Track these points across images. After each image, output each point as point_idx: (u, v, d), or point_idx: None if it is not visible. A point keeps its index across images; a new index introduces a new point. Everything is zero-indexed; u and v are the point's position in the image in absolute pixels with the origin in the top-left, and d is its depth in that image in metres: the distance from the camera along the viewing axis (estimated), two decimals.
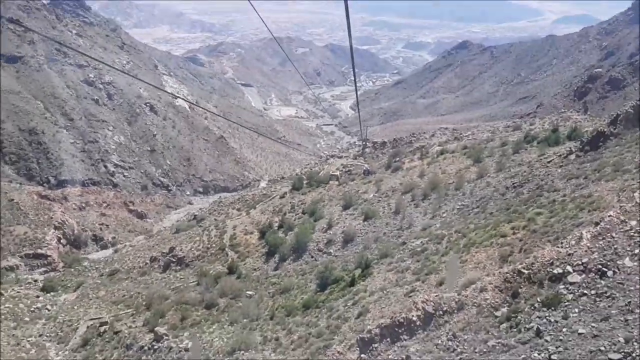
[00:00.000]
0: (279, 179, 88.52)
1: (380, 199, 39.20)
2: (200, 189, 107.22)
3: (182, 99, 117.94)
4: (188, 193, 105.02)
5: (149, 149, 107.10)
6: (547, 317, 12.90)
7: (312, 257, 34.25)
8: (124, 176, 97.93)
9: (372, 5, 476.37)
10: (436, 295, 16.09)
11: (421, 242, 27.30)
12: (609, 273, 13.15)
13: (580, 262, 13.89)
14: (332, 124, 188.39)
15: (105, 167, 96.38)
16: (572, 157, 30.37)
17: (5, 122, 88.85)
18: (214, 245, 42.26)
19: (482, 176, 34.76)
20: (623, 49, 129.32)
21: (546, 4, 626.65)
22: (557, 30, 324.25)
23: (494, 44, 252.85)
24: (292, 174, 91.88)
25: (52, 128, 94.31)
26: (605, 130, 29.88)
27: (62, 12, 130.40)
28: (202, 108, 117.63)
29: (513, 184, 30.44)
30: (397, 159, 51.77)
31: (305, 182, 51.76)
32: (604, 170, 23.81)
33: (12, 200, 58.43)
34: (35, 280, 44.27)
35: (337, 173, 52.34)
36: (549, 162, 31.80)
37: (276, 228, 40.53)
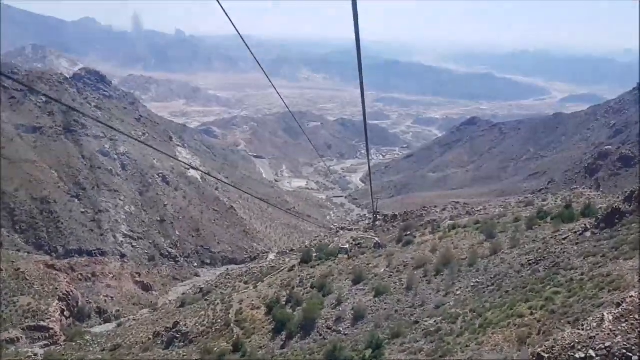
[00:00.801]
0: (287, 251, 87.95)
1: (392, 274, 38.26)
2: (208, 261, 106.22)
3: (195, 168, 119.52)
4: (195, 264, 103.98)
5: (159, 218, 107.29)
6: None
7: (321, 335, 32.88)
8: (132, 246, 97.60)
9: (383, 83, 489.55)
10: None
11: (435, 321, 26.34)
12: (634, 358, 12.31)
13: (603, 346, 13.05)
14: (342, 196, 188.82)
15: (115, 237, 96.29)
16: (588, 234, 29.63)
17: (18, 191, 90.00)
18: (219, 320, 41.23)
19: (496, 252, 33.92)
20: (631, 127, 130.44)
21: (553, 83, 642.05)
22: (564, 108, 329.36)
23: (502, 120, 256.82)
24: (301, 246, 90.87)
25: (64, 197, 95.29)
26: (621, 207, 29.33)
27: (84, 85, 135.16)
28: (214, 177, 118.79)
29: (528, 261, 29.63)
30: (409, 232, 51.10)
31: (314, 254, 51.00)
32: (622, 248, 23.18)
33: (19, 269, 57.87)
34: (36, 354, 43.04)
35: (347, 246, 51.46)
36: (564, 238, 31.01)
37: (284, 303, 39.53)
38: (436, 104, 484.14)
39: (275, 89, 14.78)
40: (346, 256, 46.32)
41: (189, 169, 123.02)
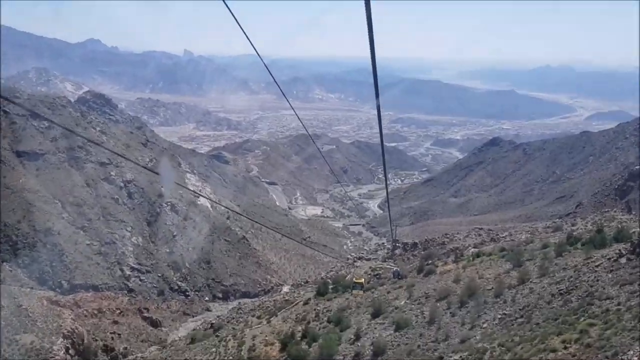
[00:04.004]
0: (303, 283, 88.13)
1: (413, 306, 38.07)
2: (220, 294, 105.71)
3: (205, 197, 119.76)
4: (207, 299, 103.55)
5: (167, 250, 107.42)
6: None
7: None
8: (140, 280, 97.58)
9: (400, 102, 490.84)
10: None
11: (460, 356, 25.94)
12: None
13: None
14: (359, 224, 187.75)
15: (122, 270, 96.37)
16: (623, 260, 29.08)
17: (21, 223, 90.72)
18: (231, 357, 41.04)
19: (524, 282, 33.49)
20: None
21: (578, 100, 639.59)
22: (591, 126, 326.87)
23: (525, 140, 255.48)
24: (317, 277, 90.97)
25: (69, 229, 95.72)
26: None
27: (88, 109, 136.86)
28: (225, 207, 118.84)
29: (559, 290, 29.17)
30: (430, 261, 51.20)
31: (330, 286, 51.24)
32: None
33: (21, 306, 57.94)
34: None
35: (362, 280, 50.85)
36: (597, 266, 30.53)
37: (299, 338, 39.44)
38: (456, 124, 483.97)
39: (292, 108, 14.98)
40: (361, 292, 45.76)
41: (198, 197, 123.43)
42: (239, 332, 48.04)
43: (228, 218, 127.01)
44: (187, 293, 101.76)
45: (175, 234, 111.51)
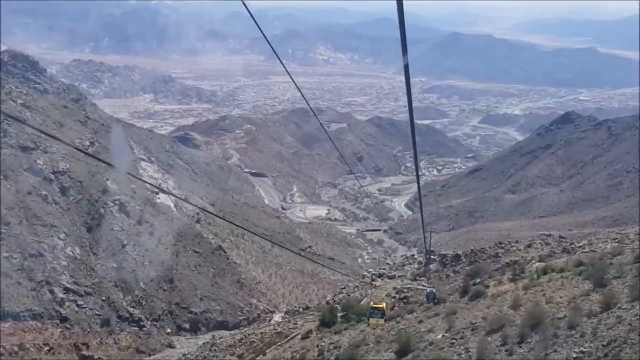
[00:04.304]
0: (301, 309, 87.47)
1: (454, 341, 37.40)
2: (187, 325, 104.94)
3: (166, 192, 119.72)
4: (168, 331, 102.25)
5: (115, 265, 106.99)
6: None
7: None
8: (77, 305, 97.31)
9: (437, 65, 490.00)
10: None
11: None
12: None
13: None
14: (380, 229, 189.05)
15: (52, 292, 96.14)
16: None
17: None
18: None
19: (610, 308, 32.86)
20: None
21: None
22: None
23: (611, 116, 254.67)
24: (320, 302, 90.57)
25: None
26: None
27: (6, 75, 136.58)
28: (194, 206, 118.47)
29: None
30: (478, 280, 51.80)
31: (340, 314, 51.50)
32: None
33: None
34: None
35: (383, 305, 50.67)
36: None
37: None
38: (514, 94, 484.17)
39: (288, 73, 14.43)
40: (382, 321, 44.65)
41: (158, 194, 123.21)
42: None
43: (198, 222, 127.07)
44: (142, 323, 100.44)
45: (125, 243, 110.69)
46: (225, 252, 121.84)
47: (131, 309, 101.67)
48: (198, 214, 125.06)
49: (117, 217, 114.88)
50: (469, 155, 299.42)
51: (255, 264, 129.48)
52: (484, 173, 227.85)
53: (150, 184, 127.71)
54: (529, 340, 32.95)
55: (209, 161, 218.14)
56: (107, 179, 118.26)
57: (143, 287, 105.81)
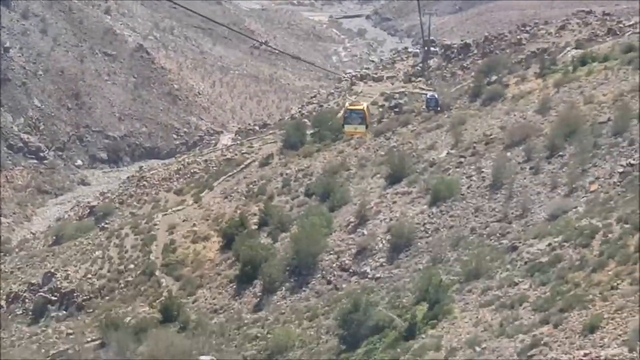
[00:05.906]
0: (257, 127, 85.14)
1: (463, 159, 37.20)
2: (104, 155, 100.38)
3: None
4: (79, 163, 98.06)
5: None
6: None
7: (329, 282, 33.08)
8: None
9: None
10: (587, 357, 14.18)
11: (549, 244, 25.02)
12: None
13: None
14: (360, 15, 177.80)
15: None
16: None
17: None
18: (132, 265, 40.86)
19: None
20: None
21: None
22: None
23: None
24: (283, 116, 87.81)
25: None
26: None
27: None
28: None
29: None
30: (494, 77, 49.84)
31: (310, 132, 49.63)
32: None
33: None
34: None
35: (362, 107, 43.76)
36: None
37: (255, 227, 39.15)
38: None
39: None
40: (361, 128, 40.09)
41: None
42: (143, 219, 46.44)
43: (108, 12, 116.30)
44: (43, 154, 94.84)
45: (8, 45, 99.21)
46: (148, 54, 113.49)
47: (25, 136, 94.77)
48: None
49: None
50: None
51: (192, 68, 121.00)
52: None
53: None
54: (560, 153, 31.73)
55: None
56: None
57: (38, 105, 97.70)
